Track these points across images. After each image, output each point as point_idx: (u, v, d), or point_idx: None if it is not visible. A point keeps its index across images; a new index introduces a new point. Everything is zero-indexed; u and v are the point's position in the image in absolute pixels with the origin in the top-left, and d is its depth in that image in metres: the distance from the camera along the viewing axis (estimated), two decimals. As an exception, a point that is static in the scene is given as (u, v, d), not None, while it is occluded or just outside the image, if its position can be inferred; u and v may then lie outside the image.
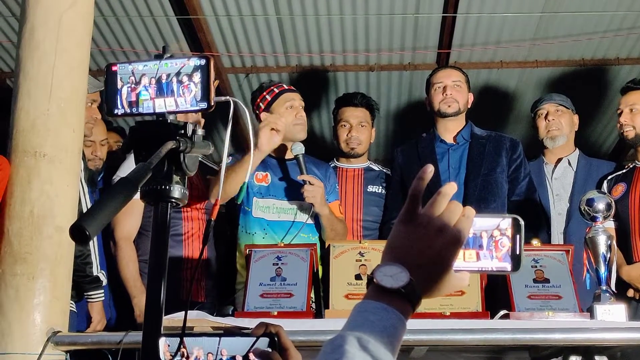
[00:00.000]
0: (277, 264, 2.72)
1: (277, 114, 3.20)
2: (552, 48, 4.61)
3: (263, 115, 3.26)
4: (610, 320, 2.52)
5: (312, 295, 2.76)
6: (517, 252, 1.05)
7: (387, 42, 4.57)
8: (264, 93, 3.35)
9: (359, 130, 3.68)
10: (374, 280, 0.97)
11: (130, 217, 3.20)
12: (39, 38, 2.54)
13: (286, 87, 3.38)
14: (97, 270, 3.06)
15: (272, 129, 3.05)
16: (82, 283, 3.04)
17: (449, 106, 3.50)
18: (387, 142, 5.75)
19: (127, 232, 3.23)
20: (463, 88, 3.55)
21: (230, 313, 2.98)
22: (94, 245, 3.08)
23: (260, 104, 3.33)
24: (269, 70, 4.93)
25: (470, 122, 3.60)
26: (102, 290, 3.14)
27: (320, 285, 2.89)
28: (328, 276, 2.74)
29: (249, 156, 3.04)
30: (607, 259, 2.70)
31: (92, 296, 3.13)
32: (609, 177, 3.60)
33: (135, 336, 2.29)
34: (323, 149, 5.00)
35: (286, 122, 3.13)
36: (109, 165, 3.76)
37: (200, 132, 1.16)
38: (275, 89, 3.34)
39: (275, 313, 2.54)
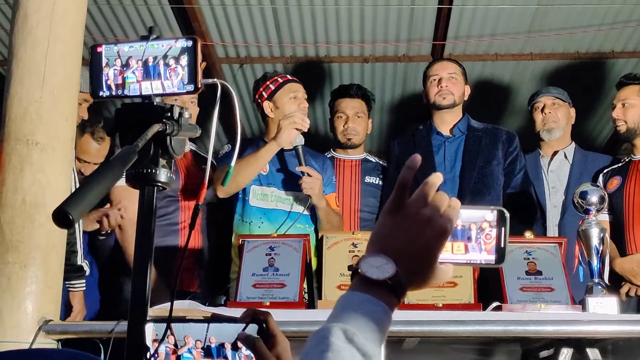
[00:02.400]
0: (270, 254, 2.72)
1: (302, 113, 3.22)
2: (547, 41, 4.60)
3: (290, 109, 3.25)
4: (602, 312, 2.53)
5: (305, 285, 2.75)
6: (502, 245, 1.03)
7: (382, 33, 4.56)
8: (268, 82, 3.35)
9: (355, 121, 3.68)
10: (359, 271, 0.95)
11: (135, 202, 3.18)
12: (32, 25, 2.52)
13: (290, 78, 3.39)
14: (81, 259, 3.05)
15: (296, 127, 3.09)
16: (66, 272, 3.03)
17: (444, 98, 3.50)
18: (380, 134, 5.75)
19: (133, 215, 3.23)
20: (459, 80, 3.55)
21: (223, 303, 2.98)
22: (79, 235, 3.07)
23: (264, 92, 3.34)
24: (264, 60, 4.91)
25: (467, 114, 3.60)
26: (84, 281, 3.13)
27: (313, 275, 2.89)
28: (321, 267, 2.75)
29: (264, 148, 3.10)
30: (600, 251, 2.71)
31: (75, 285, 3.11)
32: (605, 171, 3.61)
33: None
34: (317, 140, 4.99)
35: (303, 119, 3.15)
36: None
37: (187, 115, 1.14)
38: (279, 79, 3.35)
39: (268, 303, 2.54)
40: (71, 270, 3.05)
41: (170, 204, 3.30)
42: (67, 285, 3.11)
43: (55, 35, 2.53)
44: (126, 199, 3.17)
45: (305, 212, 3.21)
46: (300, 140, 3.18)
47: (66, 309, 3.17)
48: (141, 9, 4.35)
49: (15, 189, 2.43)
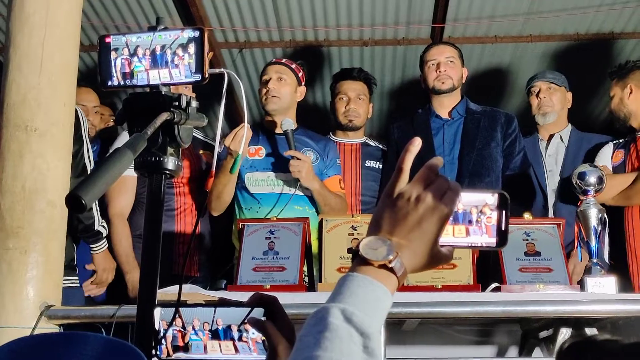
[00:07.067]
0: (270, 238, 2.73)
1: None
2: (547, 23, 4.58)
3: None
4: (601, 292, 2.55)
5: (305, 268, 2.77)
6: (503, 228, 1.04)
7: (381, 16, 4.53)
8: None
9: (357, 103, 3.68)
10: (360, 253, 0.96)
11: (124, 194, 3.21)
12: (29, 11, 2.52)
13: (271, 62, 3.46)
14: (98, 224, 3.07)
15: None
16: (85, 239, 3.09)
17: (443, 83, 3.50)
18: (380, 117, 5.73)
19: (120, 208, 3.24)
20: (456, 64, 3.54)
21: (223, 287, 3.00)
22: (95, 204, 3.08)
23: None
24: (263, 45, 4.89)
25: (465, 97, 3.60)
26: (104, 240, 3.16)
27: (313, 258, 2.90)
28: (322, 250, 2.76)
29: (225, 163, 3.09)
30: (598, 232, 2.72)
31: (95, 248, 3.15)
32: (615, 142, 3.61)
33: (128, 310, 2.30)
34: (315, 123, 4.98)
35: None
36: (103, 139, 3.75)
37: (194, 104, 1.14)
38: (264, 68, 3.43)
39: (268, 286, 2.55)
40: (90, 237, 3.10)
41: (166, 190, 3.30)
42: (90, 252, 3.17)
43: (52, 21, 2.52)
44: (115, 191, 3.18)
45: (299, 193, 3.20)
46: (289, 125, 3.18)
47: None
48: (139, -7, 4.32)
49: (14, 175, 2.43)
